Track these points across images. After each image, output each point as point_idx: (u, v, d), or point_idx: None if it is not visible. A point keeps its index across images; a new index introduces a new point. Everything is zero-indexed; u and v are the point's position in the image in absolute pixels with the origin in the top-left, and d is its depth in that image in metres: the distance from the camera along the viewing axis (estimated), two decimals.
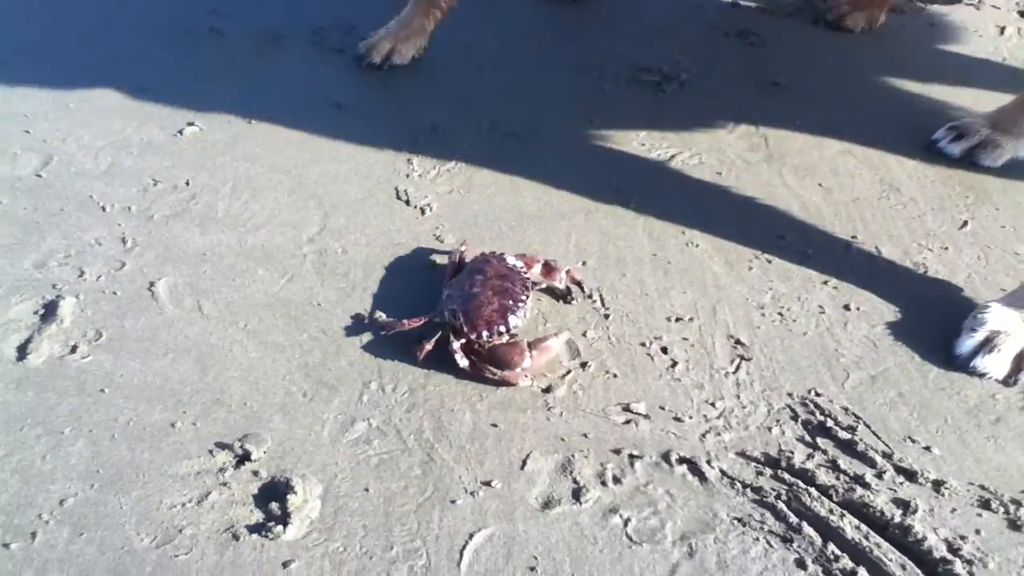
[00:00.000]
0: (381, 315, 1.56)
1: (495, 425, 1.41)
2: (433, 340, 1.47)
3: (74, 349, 1.48)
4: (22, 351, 1.47)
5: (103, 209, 1.77)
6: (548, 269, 1.63)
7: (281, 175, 1.91)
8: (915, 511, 1.28)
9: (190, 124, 2.04)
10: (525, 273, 1.59)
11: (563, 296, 1.63)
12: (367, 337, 1.54)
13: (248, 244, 1.71)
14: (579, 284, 1.64)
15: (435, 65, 2.37)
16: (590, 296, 1.63)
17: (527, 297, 1.55)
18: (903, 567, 1.22)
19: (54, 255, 1.65)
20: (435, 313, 1.52)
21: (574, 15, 2.67)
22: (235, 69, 2.30)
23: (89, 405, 1.40)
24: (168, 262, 1.66)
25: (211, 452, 1.35)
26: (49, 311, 1.53)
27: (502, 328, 1.48)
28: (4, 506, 1.26)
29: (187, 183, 1.85)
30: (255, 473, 1.32)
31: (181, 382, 1.45)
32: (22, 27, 2.39)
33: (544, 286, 1.64)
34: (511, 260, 1.60)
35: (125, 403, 1.41)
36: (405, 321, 1.51)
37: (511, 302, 1.51)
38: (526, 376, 1.46)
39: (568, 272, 1.64)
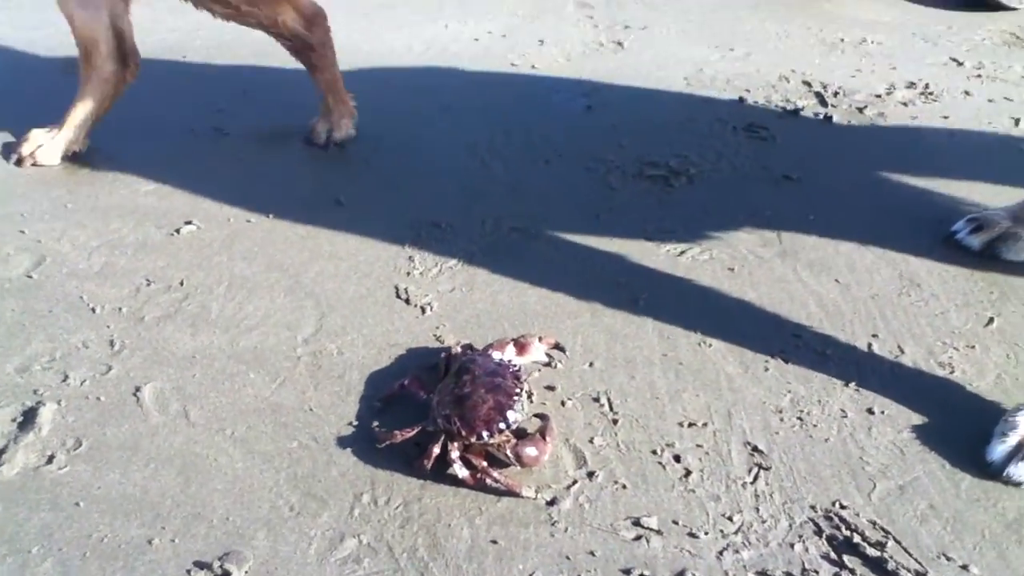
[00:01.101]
0: (376, 424, 1.48)
1: (495, 542, 1.30)
2: (439, 444, 1.38)
3: (51, 459, 1.40)
4: None
5: (92, 310, 1.71)
6: (520, 346, 1.59)
7: (278, 274, 1.86)
8: None
9: (188, 223, 2.01)
10: (514, 366, 1.52)
11: (548, 365, 1.61)
12: (361, 445, 1.45)
13: (240, 346, 1.65)
14: (558, 347, 1.62)
15: (438, 161, 2.36)
16: (597, 399, 1.55)
17: (521, 390, 1.47)
18: None
19: (38, 359, 1.59)
20: (427, 422, 1.43)
21: (580, 112, 2.68)
22: (236, 167, 2.29)
23: (62, 520, 1.31)
24: (156, 365, 1.59)
25: (189, 572, 1.24)
26: (28, 418, 1.46)
27: (502, 425, 1.39)
28: None
29: (181, 283, 1.80)
30: None
31: (162, 495, 1.36)
32: (21, 125, 2.39)
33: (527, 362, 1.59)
34: (496, 355, 1.54)
35: (100, 518, 1.32)
36: (397, 432, 1.42)
37: (505, 397, 1.43)
38: (530, 488, 1.37)
39: (542, 339, 1.62)
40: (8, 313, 1.70)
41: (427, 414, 1.45)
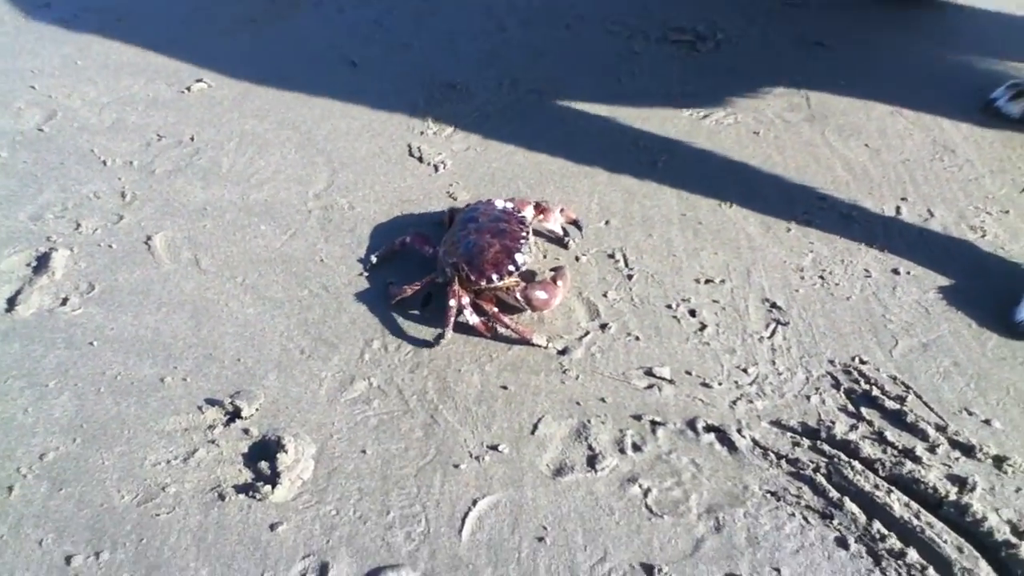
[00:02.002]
0: (389, 282, 1.45)
1: (505, 387, 1.30)
2: (453, 293, 1.35)
3: (65, 301, 1.40)
4: (11, 303, 1.40)
5: (104, 163, 1.69)
6: (541, 210, 1.53)
7: (289, 131, 1.81)
8: (973, 489, 1.14)
9: (199, 81, 1.96)
10: (519, 212, 1.48)
11: (559, 240, 1.53)
12: (372, 294, 1.44)
13: (251, 199, 1.62)
14: (576, 223, 1.55)
15: (454, 23, 2.27)
16: (612, 256, 1.52)
17: (527, 234, 1.44)
18: (959, 549, 1.08)
19: (51, 208, 1.58)
20: (436, 273, 1.41)
21: None
22: (250, 27, 2.22)
23: (76, 358, 1.32)
24: (167, 216, 1.58)
25: (200, 408, 1.25)
26: (42, 263, 1.45)
27: (511, 268, 1.37)
28: None
29: (192, 138, 1.77)
30: (245, 431, 1.22)
31: (173, 337, 1.36)
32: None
33: (540, 229, 1.54)
34: (500, 203, 1.50)
35: (114, 357, 1.32)
36: (407, 287, 1.39)
37: (512, 241, 1.40)
38: (541, 336, 1.35)
39: (563, 211, 1.54)
40: (20, 164, 1.68)
41: (434, 267, 1.43)
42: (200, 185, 1.65)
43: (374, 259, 1.48)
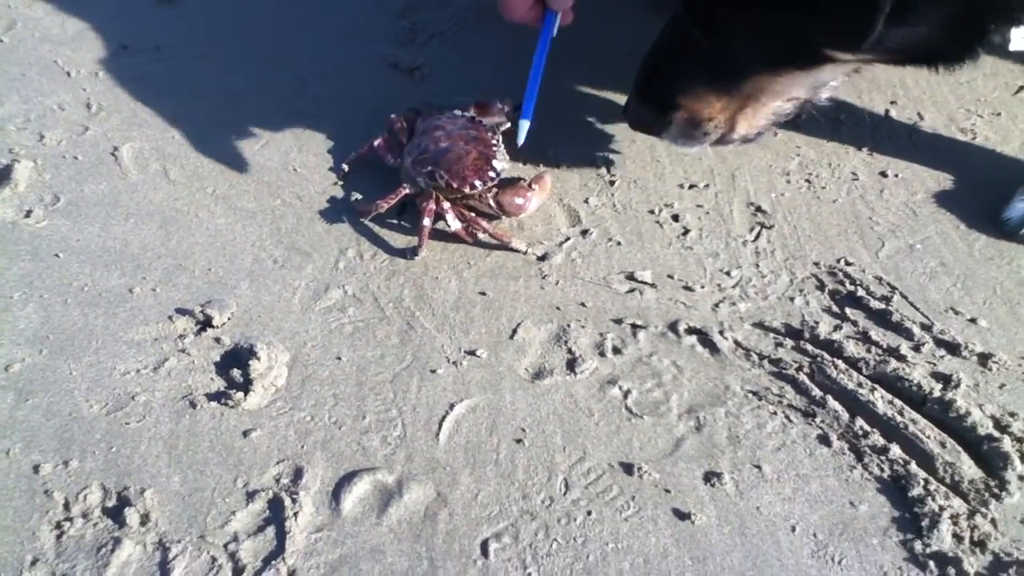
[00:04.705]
0: (354, 196, 1.41)
1: (483, 293, 1.27)
2: (431, 200, 1.30)
3: (28, 214, 1.35)
4: None
5: (68, 74, 1.62)
6: (481, 107, 1.45)
7: (261, 43, 1.74)
8: (957, 386, 1.13)
9: None
10: (481, 120, 1.43)
11: (509, 133, 1.43)
12: (345, 204, 1.39)
13: (220, 110, 1.56)
14: (518, 108, 1.43)
15: None
16: (593, 163, 1.47)
17: (499, 140, 1.39)
18: (942, 444, 1.07)
19: (12, 119, 1.51)
20: (406, 184, 1.35)
21: None
22: None
23: (42, 270, 1.28)
24: (134, 127, 1.52)
25: (170, 318, 1.22)
26: (3, 175, 1.40)
27: (491, 174, 1.32)
28: None
29: (157, 48, 1.70)
30: (217, 340, 1.20)
31: (142, 247, 1.32)
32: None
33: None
34: (458, 112, 1.43)
35: (80, 268, 1.29)
36: (380, 202, 1.33)
37: (486, 147, 1.35)
38: (521, 241, 1.31)
39: (506, 101, 1.46)
40: None
41: (400, 177, 1.37)
42: (168, 96, 1.58)
43: (345, 167, 1.44)
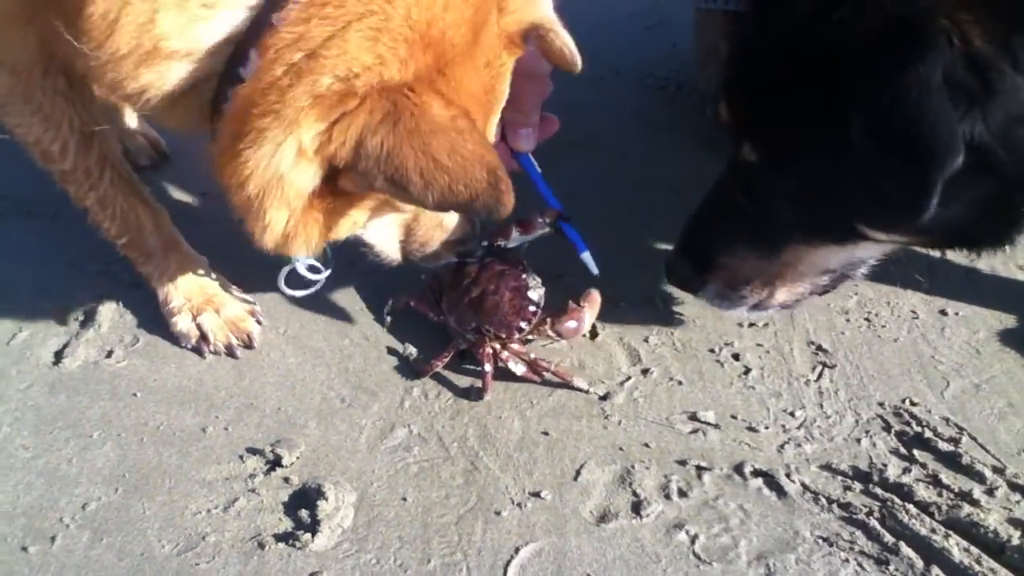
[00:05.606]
0: (410, 349, 1.42)
1: (546, 433, 1.28)
2: (486, 352, 1.32)
3: (110, 354, 1.42)
4: (58, 356, 1.42)
5: None
6: (524, 224, 1.41)
7: None
8: None
9: None
10: (502, 243, 1.41)
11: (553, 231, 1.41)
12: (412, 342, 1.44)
13: None
14: (562, 216, 1.41)
15: None
16: (651, 300, 1.50)
17: (523, 264, 1.39)
18: None
19: (94, 262, 1.61)
20: (458, 341, 1.37)
21: (641, 31, 2.58)
22: None
23: (120, 409, 1.33)
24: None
25: (241, 457, 1.25)
26: (89, 317, 1.48)
27: (531, 309, 1.34)
28: (27, 508, 1.19)
29: None
30: (286, 479, 1.22)
31: (216, 387, 1.37)
32: None
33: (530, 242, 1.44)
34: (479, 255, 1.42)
35: (157, 407, 1.34)
36: (435, 361, 1.36)
37: (516, 281, 1.36)
38: (582, 380, 1.33)
39: (545, 212, 1.41)
40: None
41: (449, 334, 1.40)
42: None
43: (388, 318, 1.47)
